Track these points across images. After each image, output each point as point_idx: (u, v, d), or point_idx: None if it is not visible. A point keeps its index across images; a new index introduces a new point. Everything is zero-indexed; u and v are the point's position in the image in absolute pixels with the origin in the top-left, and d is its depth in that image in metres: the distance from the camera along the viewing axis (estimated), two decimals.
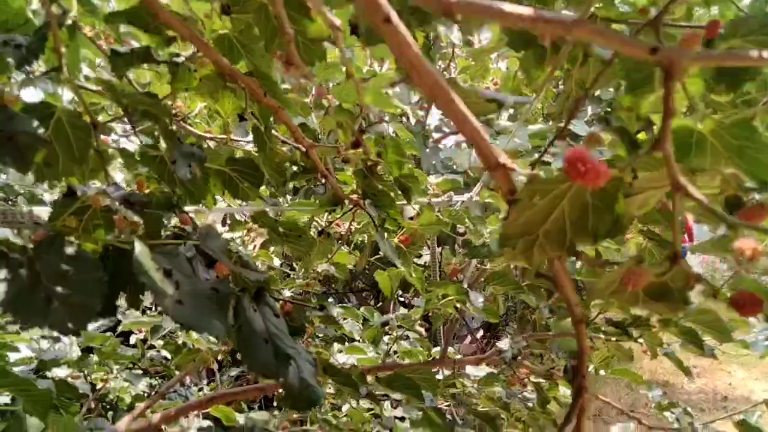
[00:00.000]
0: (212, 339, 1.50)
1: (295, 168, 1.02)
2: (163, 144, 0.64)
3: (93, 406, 1.41)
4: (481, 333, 4.81)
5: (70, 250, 0.49)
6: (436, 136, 3.11)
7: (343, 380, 0.92)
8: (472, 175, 2.22)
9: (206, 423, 1.35)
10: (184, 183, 0.67)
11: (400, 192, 1.04)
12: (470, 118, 0.29)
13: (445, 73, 2.55)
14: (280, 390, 1.73)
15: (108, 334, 1.36)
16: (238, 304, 0.59)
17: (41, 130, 0.46)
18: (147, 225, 0.57)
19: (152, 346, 1.51)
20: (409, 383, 0.93)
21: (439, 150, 2.75)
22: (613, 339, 1.23)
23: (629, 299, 0.39)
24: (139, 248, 0.48)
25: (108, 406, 1.49)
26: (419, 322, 1.47)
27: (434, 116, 3.25)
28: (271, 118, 0.78)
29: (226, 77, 0.69)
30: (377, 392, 1.05)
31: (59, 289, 0.47)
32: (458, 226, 1.44)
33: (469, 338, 4.65)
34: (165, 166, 0.64)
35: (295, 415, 1.61)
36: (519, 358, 1.21)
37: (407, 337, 1.57)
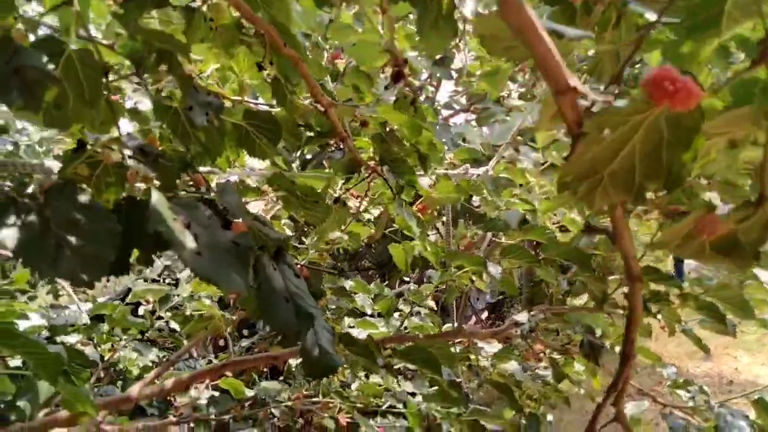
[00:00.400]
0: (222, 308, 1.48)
1: (310, 133, 0.98)
2: (178, 95, 0.61)
3: (102, 375, 1.40)
4: (485, 314, 4.82)
5: (82, 198, 0.46)
6: (445, 113, 3.06)
7: (359, 350, 0.90)
8: (484, 152, 2.18)
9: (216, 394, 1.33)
10: (199, 139, 0.64)
11: (418, 161, 1.01)
12: (544, 36, 0.26)
13: (453, 51, 2.48)
14: (289, 361, 1.72)
15: (117, 302, 1.34)
16: (257, 262, 0.56)
17: (51, 67, 0.43)
18: (162, 177, 0.53)
19: (161, 317, 1.50)
20: (427, 357, 0.91)
21: (450, 127, 2.70)
22: None
23: (695, 252, 0.36)
24: (156, 197, 0.45)
25: (117, 376, 1.49)
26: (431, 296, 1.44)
27: (444, 93, 3.18)
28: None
29: (243, 26, 0.65)
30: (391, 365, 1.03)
31: (71, 238, 0.44)
32: (473, 199, 1.40)
33: (474, 319, 4.65)
34: (179, 119, 0.60)
35: (305, 390, 1.60)
36: (535, 332, 1.19)
37: (418, 314, 1.54)
